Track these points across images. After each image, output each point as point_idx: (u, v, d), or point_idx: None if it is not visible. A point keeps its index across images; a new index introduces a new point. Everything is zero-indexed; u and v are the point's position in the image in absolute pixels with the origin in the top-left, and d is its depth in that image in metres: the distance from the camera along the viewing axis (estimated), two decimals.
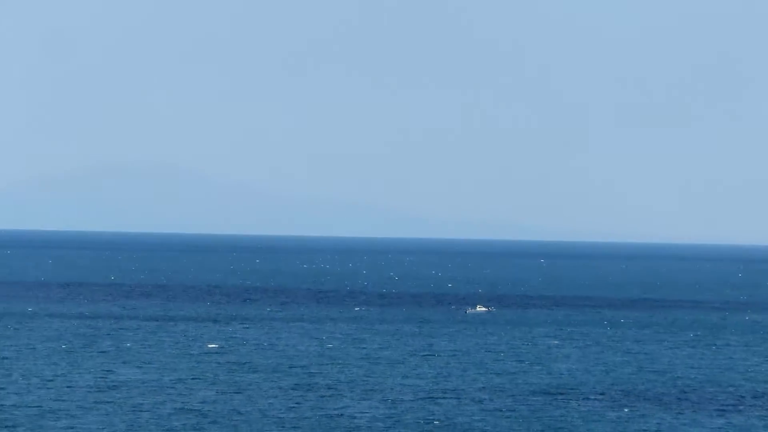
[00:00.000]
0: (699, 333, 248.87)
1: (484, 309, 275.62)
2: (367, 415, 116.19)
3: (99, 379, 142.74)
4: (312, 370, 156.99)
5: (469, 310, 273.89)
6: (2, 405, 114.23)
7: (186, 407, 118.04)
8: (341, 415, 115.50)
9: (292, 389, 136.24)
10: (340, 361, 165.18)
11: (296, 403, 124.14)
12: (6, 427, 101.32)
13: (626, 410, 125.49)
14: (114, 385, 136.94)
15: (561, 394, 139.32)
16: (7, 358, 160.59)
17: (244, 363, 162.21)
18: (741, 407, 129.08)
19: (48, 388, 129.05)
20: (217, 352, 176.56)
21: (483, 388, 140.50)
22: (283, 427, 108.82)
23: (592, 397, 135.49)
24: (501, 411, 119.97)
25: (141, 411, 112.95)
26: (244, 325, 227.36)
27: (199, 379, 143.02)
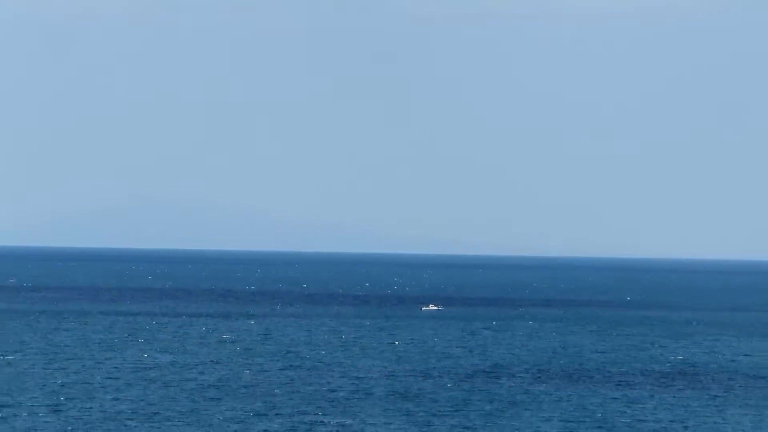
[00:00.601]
0: (601, 326, 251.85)
1: (434, 307, 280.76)
2: (344, 389, 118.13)
3: (138, 362, 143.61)
4: (301, 355, 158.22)
5: (423, 308, 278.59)
6: (64, 382, 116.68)
7: (206, 383, 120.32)
8: (325, 389, 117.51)
9: (287, 369, 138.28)
10: (323, 347, 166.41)
11: (290, 380, 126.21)
12: (67, 398, 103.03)
13: (544, 385, 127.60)
14: (150, 366, 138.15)
15: (494, 372, 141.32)
16: (68, 346, 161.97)
17: (250, 349, 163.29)
18: (633, 382, 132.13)
19: (99, 369, 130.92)
20: (229, 341, 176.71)
21: (434, 368, 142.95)
22: (280, 398, 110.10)
23: (519, 375, 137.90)
24: (449, 385, 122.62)
25: (170, 386, 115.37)
26: (250, 320, 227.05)
27: (216, 362, 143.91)
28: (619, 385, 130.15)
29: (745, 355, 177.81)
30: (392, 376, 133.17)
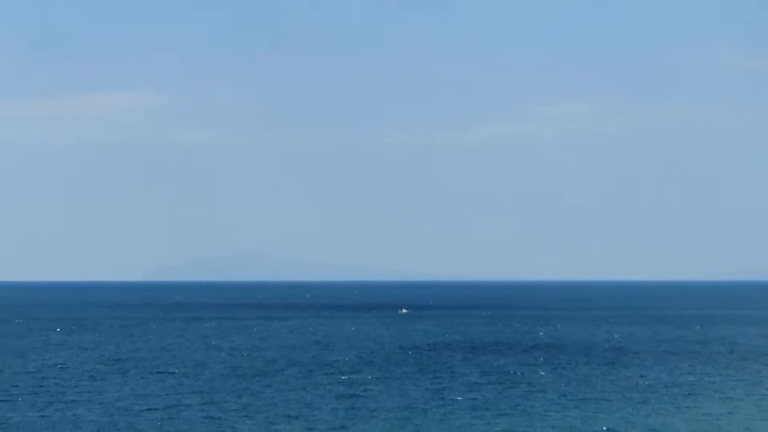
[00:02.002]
0: (492, 313, 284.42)
1: (406, 311, 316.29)
2: (339, 361, 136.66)
3: (206, 345, 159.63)
4: (300, 348, 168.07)
5: (400, 311, 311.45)
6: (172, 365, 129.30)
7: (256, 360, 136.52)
8: (327, 363, 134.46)
9: (297, 358, 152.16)
10: (324, 342, 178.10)
11: (299, 360, 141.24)
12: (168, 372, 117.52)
13: (469, 354, 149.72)
14: (216, 349, 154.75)
15: (436, 347, 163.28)
16: (169, 349, 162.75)
17: (285, 345, 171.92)
18: (518, 354, 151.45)
19: (185, 355, 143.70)
20: (274, 336, 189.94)
21: (404, 346, 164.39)
22: (292, 376, 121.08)
23: (453, 348, 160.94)
24: (413, 357, 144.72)
25: (230, 367, 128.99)
26: (292, 320, 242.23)
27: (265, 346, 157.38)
28: (504, 354, 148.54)
29: (579, 335, 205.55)
30: (375, 353, 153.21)
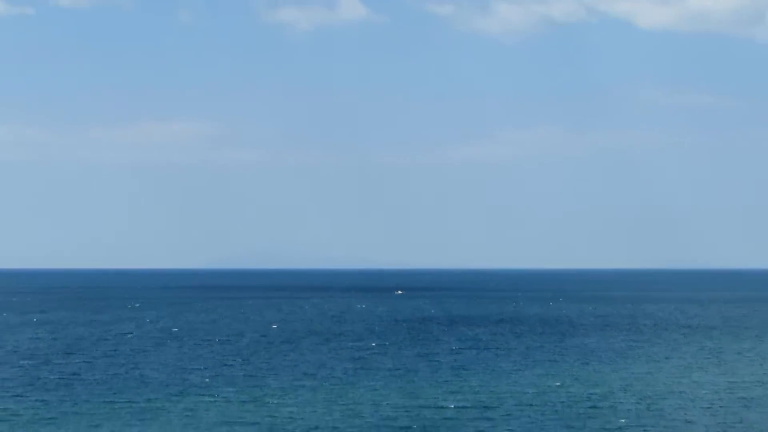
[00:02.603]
0: (468, 294, 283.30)
1: (400, 292, 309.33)
2: (349, 331, 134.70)
3: (244, 319, 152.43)
4: (318, 321, 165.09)
5: (396, 293, 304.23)
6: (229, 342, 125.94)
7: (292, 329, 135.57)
8: (338, 333, 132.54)
9: (315, 328, 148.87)
10: (337, 317, 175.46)
11: (317, 330, 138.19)
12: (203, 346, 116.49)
13: (449, 326, 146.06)
14: (252, 322, 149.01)
15: (424, 320, 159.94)
16: (215, 322, 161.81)
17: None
18: (488, 325, 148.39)
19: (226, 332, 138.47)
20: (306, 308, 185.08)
21: (398, 320, 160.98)
22: (312, 343, 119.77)
23: (437, 321, 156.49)
24: (405, 328, 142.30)
25: (262, 335, 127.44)
26: (306, 300, 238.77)
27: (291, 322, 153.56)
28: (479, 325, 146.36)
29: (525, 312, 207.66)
30: (389, 320, 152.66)
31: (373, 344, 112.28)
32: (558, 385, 73.57)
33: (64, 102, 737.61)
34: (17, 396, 67.11)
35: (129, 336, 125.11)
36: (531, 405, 63.70)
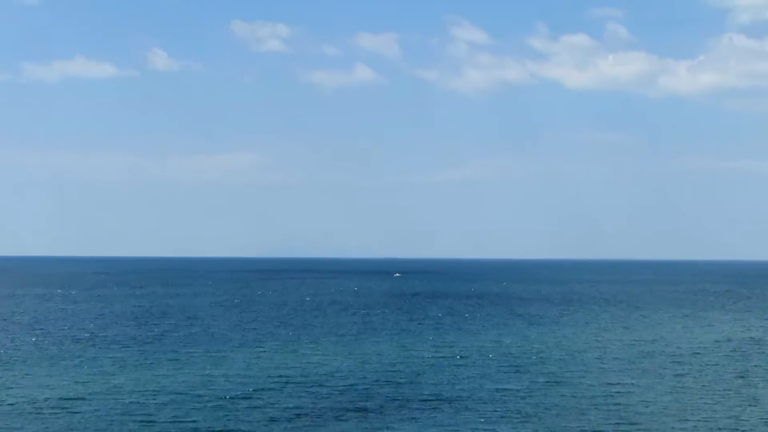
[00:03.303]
0: (449, 277, 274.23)
1: (398, 275, 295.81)
2: (361, 302, 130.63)
3: (285, 293, 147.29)
4: (338, 295, 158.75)
5: (394, 275, 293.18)
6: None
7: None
8: (353, 303, 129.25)
9: (337, 300, 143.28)
10: (352, 291, 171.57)
11: (338, 301, 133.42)
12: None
13: (433, 299, 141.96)
14: (290, 296, 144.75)
15: (415, 295, 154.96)
16: (263, 295, 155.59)
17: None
18: (461, 299, 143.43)
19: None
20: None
21: (396, 294, 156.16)
22: (333, 310, 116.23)
23: (425, 296, 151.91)
24: (401, 300, 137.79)
25: (298, 305, 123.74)
26: (332, 280, 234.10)
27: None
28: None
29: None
30: (390, 295, 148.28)
31: (377, 312, 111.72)
32: (509, 342, 73.34)
33: (159, 136, 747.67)
34: (124, 347, 67.50)
35: (204, 304, 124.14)
36: (490, 356, 63.81)
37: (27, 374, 51.82)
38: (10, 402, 42.27)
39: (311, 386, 47.98)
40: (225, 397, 44.03)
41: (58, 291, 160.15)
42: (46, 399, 43.20)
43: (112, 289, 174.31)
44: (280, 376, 51.58)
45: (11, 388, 46.60)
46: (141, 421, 37.87)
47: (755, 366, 59.06)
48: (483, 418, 39.76)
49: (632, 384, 50.35)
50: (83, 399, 43.18)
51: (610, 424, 38.83)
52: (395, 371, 55.32)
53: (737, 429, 38.08)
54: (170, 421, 37.81)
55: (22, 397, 43.60)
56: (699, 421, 39.49)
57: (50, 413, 39.46)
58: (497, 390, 47.75)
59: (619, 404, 43.52)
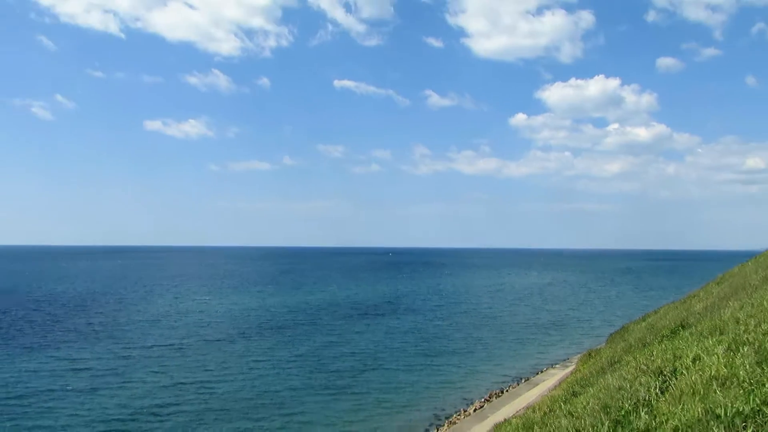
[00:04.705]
0: (402, 256, 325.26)
1: (391, 254, 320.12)
2: (371, 266, 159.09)
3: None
4: (366, 262, 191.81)
5: (389, 254, 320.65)
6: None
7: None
8: (371, 267, 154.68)
9: (373, 262, 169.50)
10: (370, 262, 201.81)
11: (373, 264, 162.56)
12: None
13: (409, 266, 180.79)
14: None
15: (398, 263, 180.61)
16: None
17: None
18: (406, 266, 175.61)
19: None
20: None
21: (389, 262, 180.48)
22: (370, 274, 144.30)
23: (402, 263, 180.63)
24: (391, 265, 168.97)
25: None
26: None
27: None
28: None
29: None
30: (387, 262, 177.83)
31: (385, 273, 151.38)
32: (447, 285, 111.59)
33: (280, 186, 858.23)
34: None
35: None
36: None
37: None
38: None
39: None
40: None
41: None
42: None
43: None
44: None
45: None
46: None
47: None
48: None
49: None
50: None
51: None
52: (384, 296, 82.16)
53: None
54: None
55: None
56: None
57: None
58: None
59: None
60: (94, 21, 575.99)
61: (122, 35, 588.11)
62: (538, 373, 38.70)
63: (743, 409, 6.42)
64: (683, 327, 15.38)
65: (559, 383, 25.43)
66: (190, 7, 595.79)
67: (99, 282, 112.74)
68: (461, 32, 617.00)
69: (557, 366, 40.60)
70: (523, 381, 36.77)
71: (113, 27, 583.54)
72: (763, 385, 6.97)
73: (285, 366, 39.83)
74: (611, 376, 11.82)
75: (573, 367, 33.11)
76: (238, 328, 54.99)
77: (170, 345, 46.73)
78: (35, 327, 55.26)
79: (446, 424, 28.11)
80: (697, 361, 9.05)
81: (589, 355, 28.89)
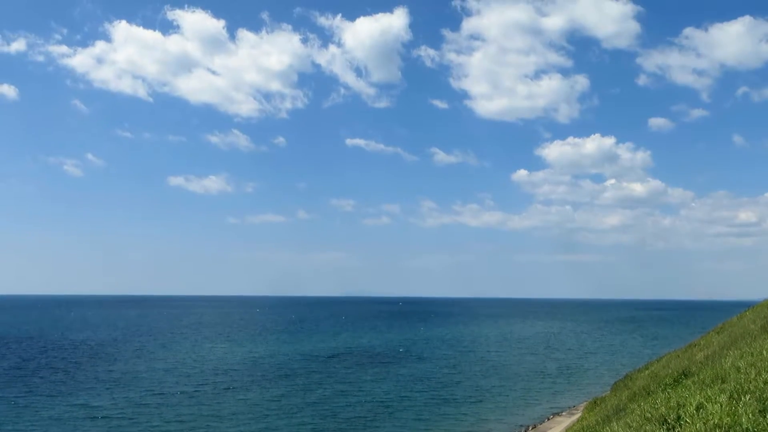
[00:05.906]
0: (415, 306, 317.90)
1: (401, 304, 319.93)
2: (388, 314, 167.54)
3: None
4: (379, 310, 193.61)
5: (399, 304, 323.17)
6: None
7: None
8: (386, 314, 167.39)
9: (383, 310, 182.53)
10: (383, 311, 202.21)
11: (386, 312, 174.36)
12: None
13: (423, 316, 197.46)
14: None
15: (412, 312, 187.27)
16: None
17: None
18: (418, 318, 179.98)
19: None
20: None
21: (402, 311, 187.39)
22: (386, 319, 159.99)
23: (415, 313, 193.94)
24: (405, 314, 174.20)
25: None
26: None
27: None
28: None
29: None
30: (400, 312, 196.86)
31: (395, 321, 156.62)
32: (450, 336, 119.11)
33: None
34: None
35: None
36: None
37: None
38: None
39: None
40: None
41: None
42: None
43: None
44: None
45: None
46: None
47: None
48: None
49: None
50: None
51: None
52: (403, 341, 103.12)
53: None
54: None
55: None
56: None
57: None
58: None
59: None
60: (125, 86, 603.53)
61: (150, 99, 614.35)
62: (544, 421, 38.40)
63: None
64: (686, 375, 15.37)
65: (565, 431, 24.38)
66: (213, 73, 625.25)
67: (120, 330, 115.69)
68: (464, 95, 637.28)
69: (563, 414, 40.33)
70: (530, 429, 36.47)
71: (142, 91, 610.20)
72: None
73: (297, 414, 39.97)
74: (617, 424, 11.72)
75: (579, 414, 33.03)
76: (252, 376, 55.90)
77: (185, 392, 47.10)
78: (58, 373, 56.20)
79: None
80: (701, 410, 8.94)
81: (595, 403, 28.72)
